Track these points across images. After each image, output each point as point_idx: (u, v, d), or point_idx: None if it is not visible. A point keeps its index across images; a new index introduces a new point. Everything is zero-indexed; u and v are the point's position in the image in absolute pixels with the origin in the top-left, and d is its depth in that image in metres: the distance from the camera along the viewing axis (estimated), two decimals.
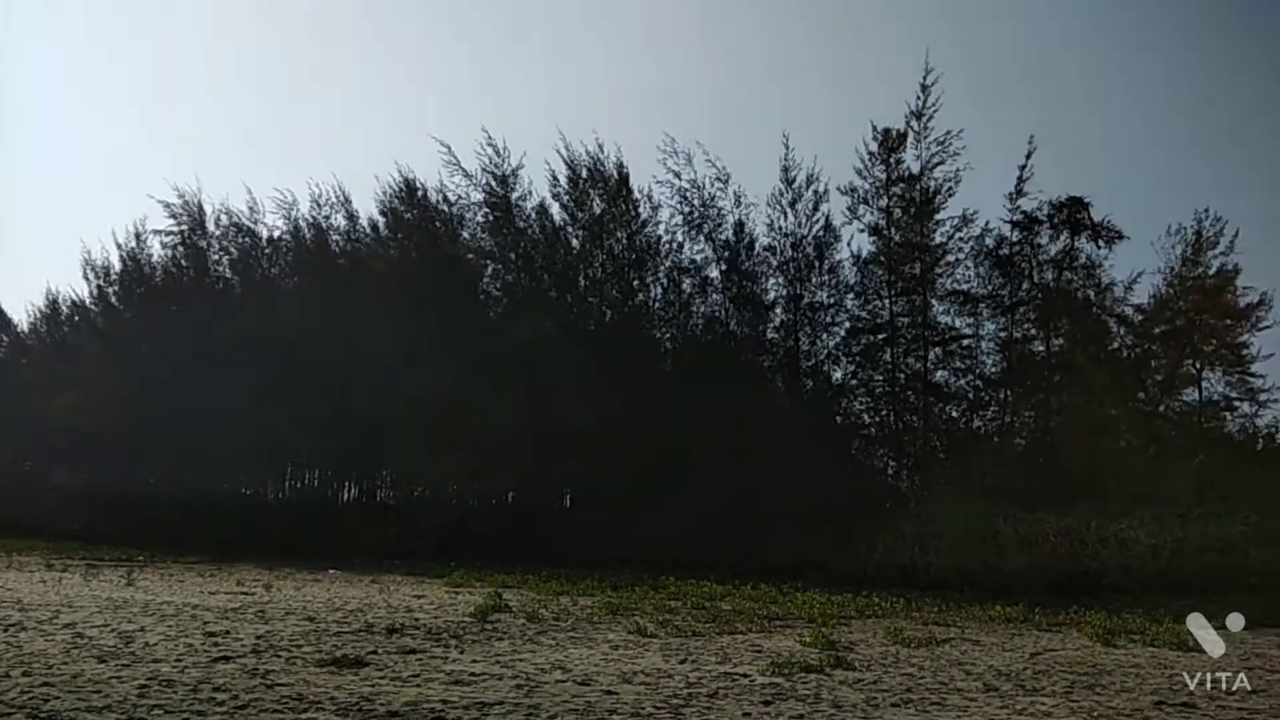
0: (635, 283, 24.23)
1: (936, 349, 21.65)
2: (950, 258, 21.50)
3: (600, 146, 23.49)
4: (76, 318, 30.80)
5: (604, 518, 21.77)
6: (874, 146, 21.38)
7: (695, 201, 22.89)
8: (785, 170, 22.25)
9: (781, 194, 22.36)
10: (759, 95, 47.01)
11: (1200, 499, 16.57)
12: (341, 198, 26.28)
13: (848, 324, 22.46)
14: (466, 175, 23.91)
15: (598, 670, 7.42)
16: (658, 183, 23.25)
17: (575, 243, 24.39)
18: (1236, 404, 20.75)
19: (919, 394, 21.81)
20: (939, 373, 21.79)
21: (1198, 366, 20.91)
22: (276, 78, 57.35)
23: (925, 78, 20.53)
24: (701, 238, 23.27)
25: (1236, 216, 20.71)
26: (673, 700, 6.34)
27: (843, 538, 18.66)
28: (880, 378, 22.32)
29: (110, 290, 29.44)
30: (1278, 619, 11.97)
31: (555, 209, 24.27)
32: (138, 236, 28.38)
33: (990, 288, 21.42)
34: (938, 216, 21.33)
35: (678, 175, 22.79)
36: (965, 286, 21.48)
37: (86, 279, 29.53)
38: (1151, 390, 21.44)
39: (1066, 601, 13.74)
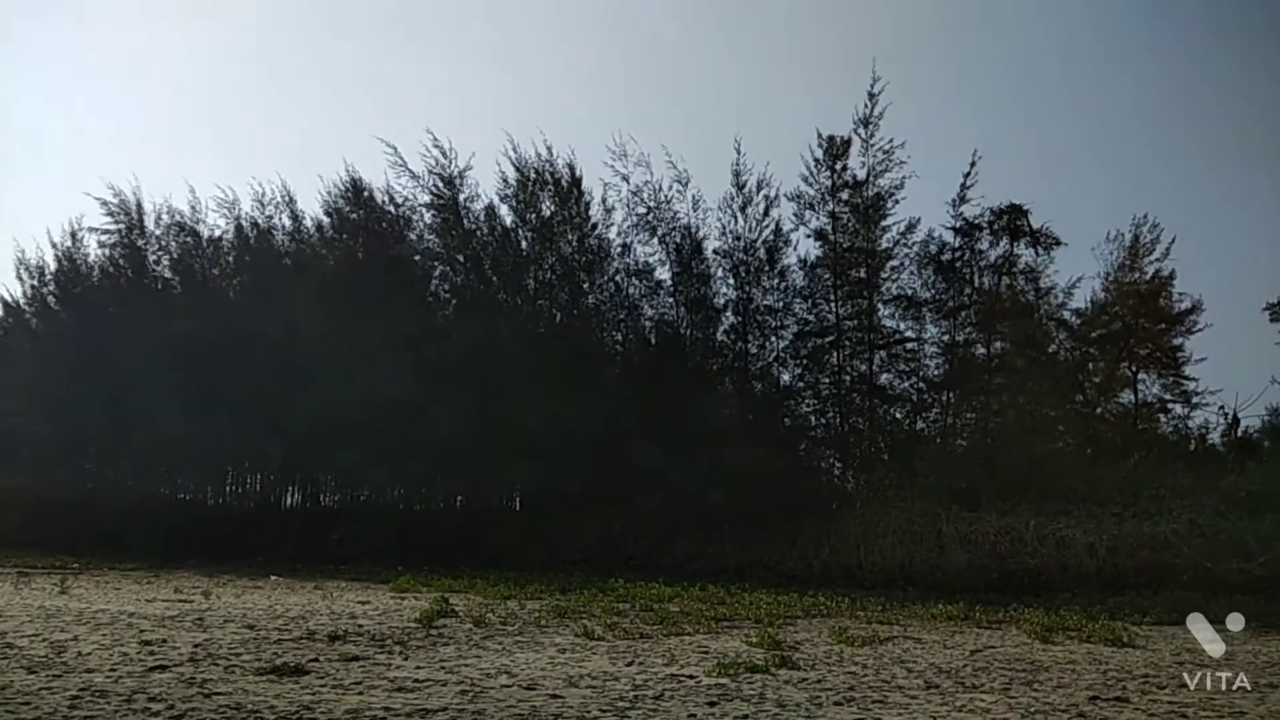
0: (586, 285, 24.17)
1: (881, 352, 21.92)
2: (895, 262, 21.84)
3: (550, 149, 23.48)
4: (10, 319, 29.83)
5: (553, 521, 21.74)
6: (819, 153, 21.63)
7: (649, 204, 22.94)
8: (736, 175, 22.40)
9: (733, 198, 22.52)
10: (712, 99, 47.33)
11: (1135, 499, 17.01)
12: (286, 197, 25.90)
13: (795, 327, 22.67)
14: (413, 176, 23.69)
15: (544, 674, 7.39)
16: (606, 185, 23.33)
17: (525, 244, 24.27)
18: (1170, 406, 21.42)
19: (864, 396, 22.08)
20: (884, 375, 22.06)
21: (1134, 370, 21.52)
22: (219, 76, 56.25)
23: (872, 86, 20.81)
24: (654, 240, 23.33)
25: (1175, 223, 21.39)
26: (618, 703, 6.35)
27: (790, 538, 18.86)
28: (827, 380, 22.55)
29: (45, 290, 28.58)
30: (1206, 614, 12.36)
31: (504, 211, 24.19)
32: (74, 235, 27.66)
33: (933, 292, 21.77)
34: (884, 222, 21.63)
35: (626, 179, 22.89)
36: (909, 291, 21.82)
37: (20, 279, 28.64)
38: (1089, 393, 21.99)
39: (1006, 599, 14.07)
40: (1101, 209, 41.76)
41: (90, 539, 22.54)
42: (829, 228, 21.91)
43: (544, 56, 52.32)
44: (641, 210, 23.04)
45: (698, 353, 23.48)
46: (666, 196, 22.84)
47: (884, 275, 21.85)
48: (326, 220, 25.58)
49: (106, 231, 26.68)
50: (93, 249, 27.57)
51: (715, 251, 22.91)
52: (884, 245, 21.73)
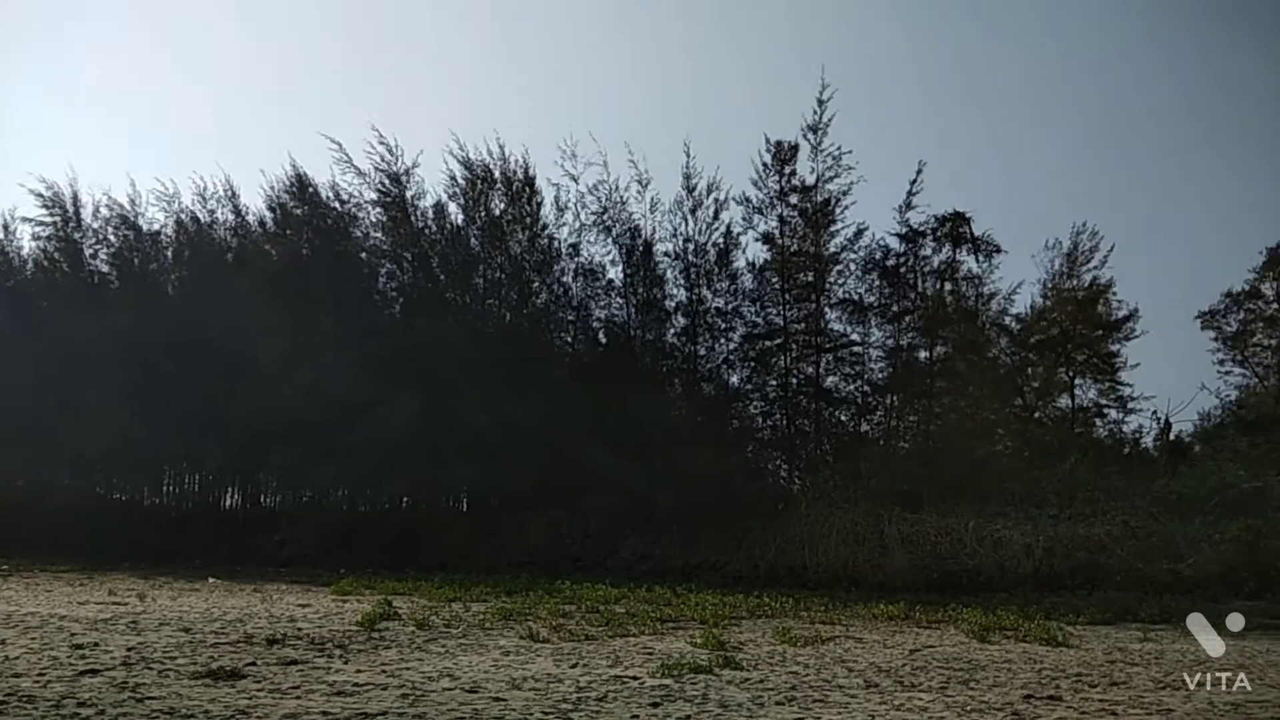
0: (536, 284, 24.10)
1: (828, 355, 22.19)
2: (841, 267, 22.13)
3: (502, 147, 23.37)
4: None
5: (500, 522, 21.62)
6: (768, 158, 21.83)
7: (605, 204, 22.97)
8: (687, 178, 22.54)
9: (683, 201, 22.63)
10: (664, 102, 47.45)
11: (1070, 501, 17.44)
12: (229, 191, 25.36)
13: (744, 329, 22.84)
14: (359, 174, 23.41)
15: (487, 677, 7.35)
16: (558, 185, 23.33)
17: (474, 243, 24.10)
18: (1106, 410, 22.03)
19: (811, 399, 22.34)
20: (830, 378, 22.35)
21: (1071, 375, 22.08)
22: (164, 68, 54.93)
23: (821, 93, 21.05)
24: (607, 241, 23.39)
25: (1115, 232, 22.00)
26: (561, 705, 6.34)
27: (737, 539, 18.99)
28: (774, 383, 22.77)
29: None
30: (1138, 614, 12.73)
31: (454, 209, 24.01)
32: (5, 227, 26.78)
33: (878, 297, 22.11)
34: (832, 227, 21.90)
35: (575, 179, 22.91)
36: (856, 295, 22.13)
37: None
38: (1028, 397, 22.52)
39: (946, 598, 14.32)
40: (1048, 215, 42.74)
41: (21, 540, 21.82)
42: (777, 232, 22.15)
43: (497, 55, 52.01)
44: (595, 210, 23.09)
45: (647, 354, 23.54)
46: (622, 197, 22.92)
47: (831, 279, 22.14)
48: (270, 215, 25.18)
49: (41, 223, 25.93)
50: (26, 241, 26.77)
51: (666, 253, 23.05)
52: (831, 250, 22.04)
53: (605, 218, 23.07)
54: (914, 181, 21.30)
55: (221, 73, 53.64)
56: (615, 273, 23.45)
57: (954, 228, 21.40)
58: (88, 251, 26.28)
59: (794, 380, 22.48)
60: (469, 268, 23.98)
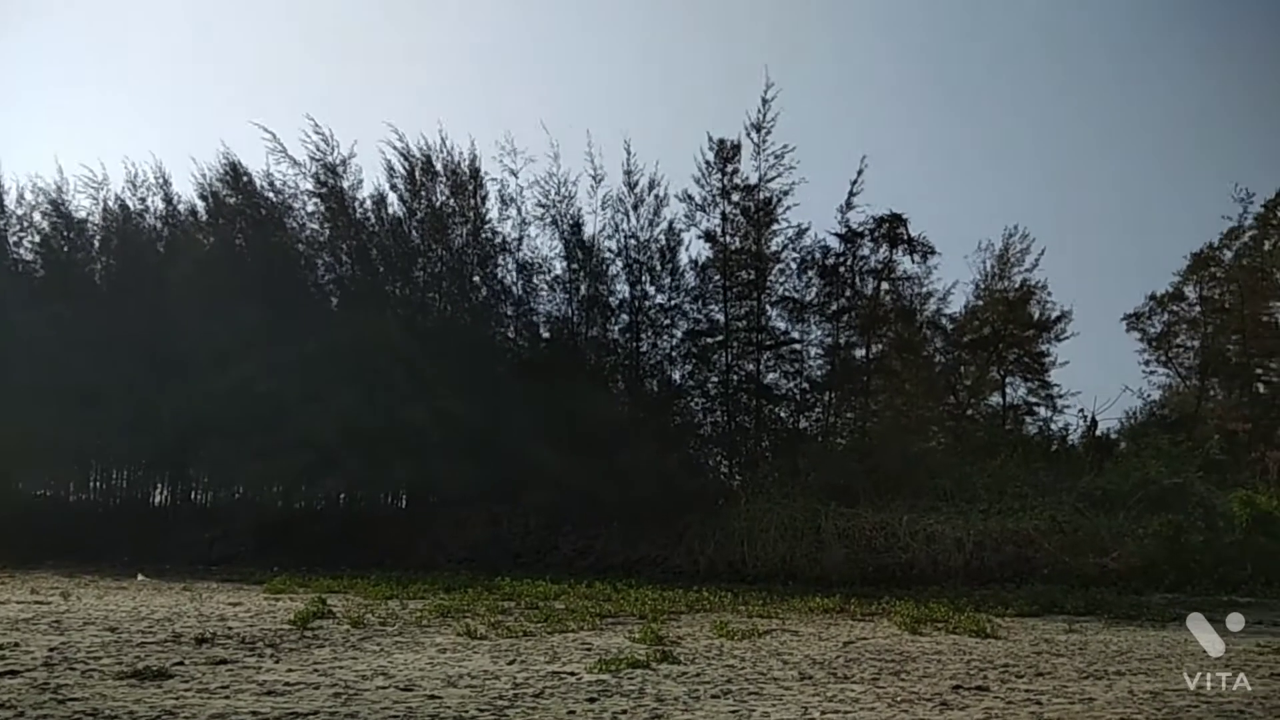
0: (478, 278, 23.90)
1: (768, 353, 22.43)
2: (782, 265, 22.38)
3: (445, 139, 23.12)
4: None
5: (440, 518, 21.41)
6: (710, 156, 21.98)
7: (550, 197, 22.89)
8: (628, 174, 22.57)
9: (624, 197, 22.65)
10: (605, 97, 47.39)
11: (1000, 496, 17.92)
12: (160, 179, 24.69)
13: (686, 326, 22.96)
14: (294, 164, 22.97)
15: (422, 675, 7.28)
16: (501, 180, 23.18)
17: (415, 235, 23.80)
18: (1035, 408, 22.66)
19: (751, 395, 22.56)
20: (770, 375, 22.61)
21: (1002, 373, 22.66)
22: (93, 52, 53.21)
23: (766, 92, 21.24)
24: (554, 236, 23.34)
25: (1046, 235, 22.63)
26: (498, 702, 6.31)
27: (677, 535, 19.11)
28: (715, 379, 22.94)
29: None
30: (1064, 606, 13.12)
31: (393, 200, 23.69)
32: None
33: (817, 296, 22.40)
34: (773, 226, 22.14)
35: (515, 174, 22.83)
36: (796, 294, 22.40)
37: None
38: (961, 395, 23.05)
39: (880, 592, 14.60)
40: (985, 217, 43.74)
41: None
42: (719, 230, 22.30)
43: (443, 47, 51.42)
44: (541, 205, 22.99)
45: (590, 350, 23.51)
46: (570, 192, 22.85)
47: (772, 278, 22.36)
48: (202, 204, 24.57)
49: None
50: None
51: (610, 250, 23.04)
52: (773, 248, 22.26)
53: (550, 212, 23.03)
54: (855, 181, 21.69)
55: (154, 58, 52.17)
56: (559, 267, 23.43)
57: (891, 229, 21.79)
58: (11, 239, 25.40)
59: (735, 377, 22.69)
60: (409, 260, 23.68)
